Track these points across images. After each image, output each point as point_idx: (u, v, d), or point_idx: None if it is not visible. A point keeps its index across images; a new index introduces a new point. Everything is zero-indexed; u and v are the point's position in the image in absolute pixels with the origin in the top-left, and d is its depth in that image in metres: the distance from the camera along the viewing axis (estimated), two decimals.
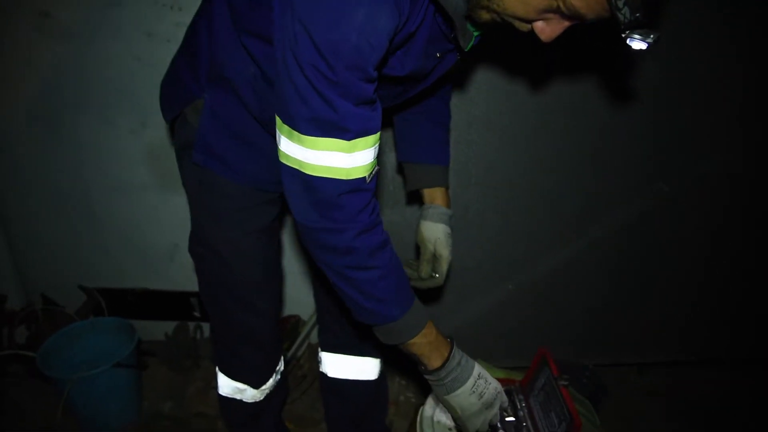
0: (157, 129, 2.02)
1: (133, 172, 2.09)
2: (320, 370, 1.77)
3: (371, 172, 1.00)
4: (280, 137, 0.97)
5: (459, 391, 1.17)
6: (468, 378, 1.18)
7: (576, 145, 1.90)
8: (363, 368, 1.71)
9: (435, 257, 1.48)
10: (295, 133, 0.92)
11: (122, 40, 1.89)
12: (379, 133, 0.98)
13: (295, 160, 0.95)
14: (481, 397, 1.19)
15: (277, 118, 0.96)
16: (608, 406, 2.18)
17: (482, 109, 1.82)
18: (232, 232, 1.36)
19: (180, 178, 1.41)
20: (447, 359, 1.16)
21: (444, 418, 1.42)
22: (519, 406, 1.41)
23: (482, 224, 1.99)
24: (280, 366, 1.70)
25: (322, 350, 1.74)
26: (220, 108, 1.22)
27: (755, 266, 2.16)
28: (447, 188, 1.54)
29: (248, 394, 1.63)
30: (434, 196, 1.51)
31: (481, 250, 2.03)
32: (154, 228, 2.20)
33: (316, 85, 0.86)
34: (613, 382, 2.33)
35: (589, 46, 1.67)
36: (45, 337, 2.08)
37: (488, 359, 1.56)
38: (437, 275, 1.48)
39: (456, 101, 1.79)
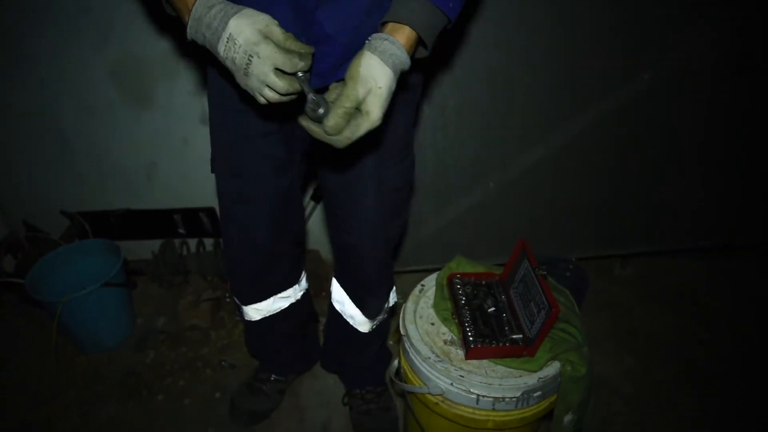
0: (121, 43, 1.92)
1: (99, 90, 2.01)
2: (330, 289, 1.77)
3: None
4: None
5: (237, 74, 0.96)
6: (218, 41, 0.94)
7: (553, 36, 1.83)
8: (354, 316, 1.68)
9: (358, 111, 0.96)
10: None
11: None
12: None
13: None
14: (234, 62, 0.94)
15: None
16: (591, 297, 2.24)
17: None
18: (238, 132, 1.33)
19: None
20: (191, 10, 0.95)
21: (426, 313, 1.45)
22: (499, 299, 1.44)
23: (460, 121, 1.95)
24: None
25: (335, 276, 1.73)
26: None
27: (738, 156, 2.15)
28: (419, 38, 1.02)
29: (291, 297, 1.69)
30: (397, 31, 0.99)
31: (461, 148, 2.00)
32: (128, 147, 2.15)
33: None
34: (597, 274, 2.39)
35: None
36: (32, 263, 2.08)
37: (470, 256, 1.57)
38: (342, 136, 0.96)
39: None
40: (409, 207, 1.59)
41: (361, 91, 0.92)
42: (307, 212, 2.15)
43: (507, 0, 1.75)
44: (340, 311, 1.70)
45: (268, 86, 0.93)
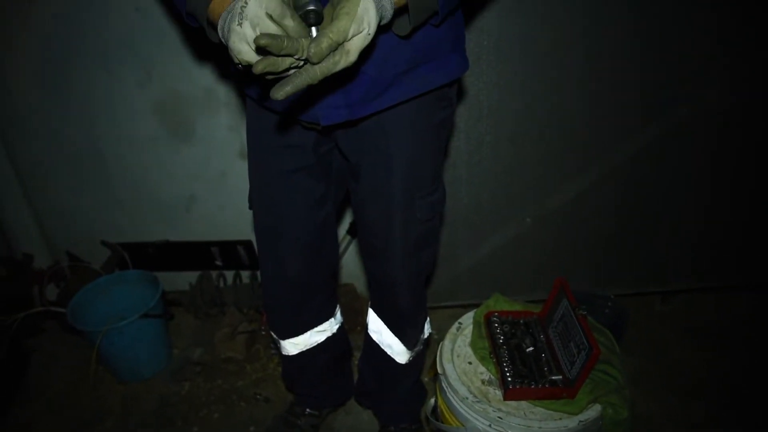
0: (164, 80, 1.99)
1: (143, 124, 2.07)
2: (366, 320, 1.76)
3: None
4: None
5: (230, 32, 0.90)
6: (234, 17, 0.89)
7: (591, 70, 1.83)
8: (392, 345, 1.65)
9: (341, 47, 0.88)
10: None
11: None
12: None
13: None
14: (231, 12, 0.91)
15: None
16: (631, 335, 2.19)
17: (493, 38, 1.76)
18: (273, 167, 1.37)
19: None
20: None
21: (463, 351, 1.44)
22: (537, 338, 1.42)
23: (496, 156, 1.95)
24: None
25: (371, 306, 1.71)
26: None
27: None
28: (407, 7, 1.00)
29: (328, 331, 1.70)
30: None
31: (497, 183, 2.00)
32: (168, 180, 2.20)
33: None
34: (637, 311, 2.33)
35: None
36: (74, 292, 2.13)
37: (505, 292, 1.56)
38: (321, 66, 0.87)
39: (465, 32, 1.73)
40: (439, 237, 1.59)
41: (352, 29, 0.87)
42: (342, 246, 2.16)
43: (543, 34, 1.76)
44: (377, 341, 1.68)
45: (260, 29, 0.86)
